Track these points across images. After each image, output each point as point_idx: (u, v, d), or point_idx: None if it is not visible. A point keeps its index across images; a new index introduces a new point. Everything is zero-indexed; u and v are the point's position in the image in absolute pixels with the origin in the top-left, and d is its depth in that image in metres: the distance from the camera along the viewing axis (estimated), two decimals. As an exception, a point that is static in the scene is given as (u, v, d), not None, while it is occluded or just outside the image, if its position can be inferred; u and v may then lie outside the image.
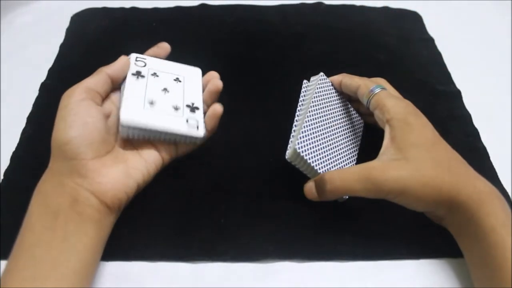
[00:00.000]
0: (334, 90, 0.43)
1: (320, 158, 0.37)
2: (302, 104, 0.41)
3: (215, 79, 0.41)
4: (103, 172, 0.34)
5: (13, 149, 0.44)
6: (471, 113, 0.49)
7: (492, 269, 0.30)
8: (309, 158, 0.36)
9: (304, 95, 0.42)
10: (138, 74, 0.39)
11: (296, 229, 0.38)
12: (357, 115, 0.45)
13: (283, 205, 0.40)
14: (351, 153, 0.41)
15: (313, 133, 0.38)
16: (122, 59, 0.39)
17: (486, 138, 0.46)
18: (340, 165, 0.39)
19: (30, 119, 0.47)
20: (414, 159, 0.34)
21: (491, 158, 0.44)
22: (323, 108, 0.40)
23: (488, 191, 0.33)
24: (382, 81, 0.42)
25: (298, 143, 0.36)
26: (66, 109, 0.34)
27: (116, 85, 0.39)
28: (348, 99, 0.44)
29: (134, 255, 0.37)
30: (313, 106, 0.39)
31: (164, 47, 0.43)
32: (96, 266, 0.34)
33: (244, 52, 0.56)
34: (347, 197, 0.38)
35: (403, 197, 0.34)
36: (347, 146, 0.41)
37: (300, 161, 0.36)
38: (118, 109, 0.37)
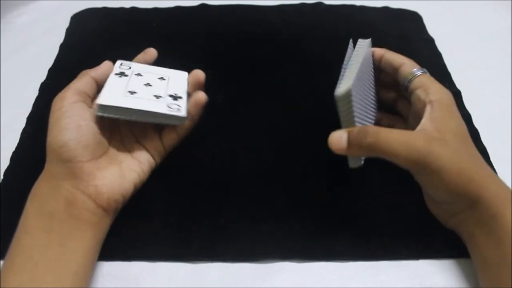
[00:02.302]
0: (372, 62, 0.42)
1: (359, 113, 0.36)
2: (353, 58, 0.40)
3: (196, 70, 0.41)
4: (99, 175, 0.34)
5: (13, 149, 0.44)
6: (471, 113, 0.49)
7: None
8: (354, 106, 0.34)
9: (356, 51, 0.41)
10: (121, 74, 0.39)
11: (296, 229, 0.38)
12: (376, 97, 0.44)
13: (283, 205, 0.40)
14: (373, 120, 0.41)
15: (359, 86, 0.37)
16: (106, 62, 0.39)
17: (486, 138, 0.46)
18: None
19: (30, 119, 0.47)
20: (452, 144, 0.34)
21: (491, 158, 0.44)
22: (366, 71, 0.40)
23: (510, 193, 0.33)
24: (424, 68, 0.42)
25: (352, 85, 0.33)
26: (59, 111, 0.34)
27: (100, 88, 0.38)
28: (377, 78, 0.44)
29: (133, 255, 0.37)
30: (364, 63, 0.38)
31: (151, 52, 0.43)
32: (93, 268, 0.34)
33: (244, 52, 0.56)
34: (362, 162, 0.37)
35: (436, 176, 0.33)
36: (371, 117, 0.41)
37: (347, 103, 0.34)
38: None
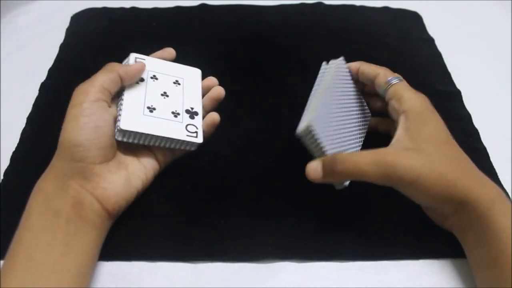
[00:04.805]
0: (350, 77, 0.42)
1: (330, 140, 0.36)
2: (318, 85, 0.40)
3: (217, 87, 0.41)
4: (108, 178, 0.34)
5: (13, 149, 0.44)
6: (471, 113, 0.49)
7: (502, 269, 0.30)
8: (320, 138, 0.35)
9: (322, 76, 0.41)
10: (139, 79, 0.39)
11: (296, 229, 0.38)
12: (367, 108, 0.44)
13: (283, 205, 0.40)
14: (357, 143, 0.41)
15: (326, 113, 0.37)
16: (141, 65, 0.38)
17: (486, 138, 0.46)
18: (347, 151, 0.39)
19: (30, 119, 0.47)
20: (427, 152, 0.33)
21: (491, 158, 0.44)
22: (338, 92, 0.40)
23: (497, 192, 0.33)
24: (398, 76, 0.41)
25: (312, 119, 0.34)
26: (79, 108, 0.33)
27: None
28: (361, 91, 0.43)
29: (134, 255, 0.37)
30: (331, 88, 0.38)
31: (170, 52, 0.43)
32: (93, 269, 0.34)
33: (244, 52, 0.56)
34: (347, 183, 0.37)
35: (413, 187, 0.33)
36: (355, 134, 0.41)
37: (310, 138, 0.35)
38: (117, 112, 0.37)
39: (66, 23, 0.60)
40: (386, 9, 0.64)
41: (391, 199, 0.40)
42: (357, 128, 0.42)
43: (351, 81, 0.42)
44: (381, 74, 0.39)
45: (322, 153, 0.36)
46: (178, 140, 0.37)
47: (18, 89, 0.51)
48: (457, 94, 0.51)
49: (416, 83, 0.52)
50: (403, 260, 0.37)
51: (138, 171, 0.37)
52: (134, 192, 0.36)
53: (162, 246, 0.37)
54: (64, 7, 0.62)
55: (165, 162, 0.40)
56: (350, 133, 0.40)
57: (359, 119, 0.42)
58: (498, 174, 0.43)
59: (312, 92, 0.40)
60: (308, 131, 0.35)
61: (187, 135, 0.37)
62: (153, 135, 0.36)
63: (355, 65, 0.42)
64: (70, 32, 0.59)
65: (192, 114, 0.39)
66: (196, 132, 0.37)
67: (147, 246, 0.37)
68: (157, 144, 0.37)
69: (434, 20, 0.62)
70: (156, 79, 0.39)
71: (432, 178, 0.32)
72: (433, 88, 0.52)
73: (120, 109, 0.36)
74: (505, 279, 0.30)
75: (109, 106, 0.36)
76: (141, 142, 0.36)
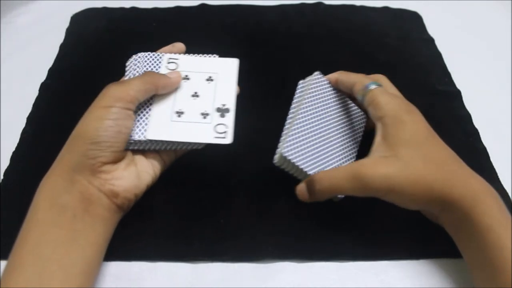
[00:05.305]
0: (330, 88, 0.42)
1: (311, 160, 0.37)
2: (296, 103, 0.41)
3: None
4: (117, 175, 0.35)
5: (13, 149, 0.44)
6: (471, 113, 0.49)
7: (491, 269, 0.30)
8: (299, 161, 0.36)
9: (299, 95, 0.42)
10: None
11: (296, 229, 0.38)
12: (359, 111, 0.44)
13: (283, 205, 0.40)
14: (349, 152, 0.41)
15: (304, 134, 0.37)
16: (178, 77, 0.38)
17: (486, 138, 0.46)
18: (336, 165, 0.39)
19: (30, 119, 0.47)
20: (404, 157, 0.33)
21: (491, 158, 0.44)
22: (317, 108, 0.39)
23: (483, 189, 0.32)
24: (381, 78, 0.41)
25: (285, 147, 0.35)
26: (107, 111, 0.33)
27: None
28: (349, 96, 0.43)
29: (134, 255, 0.37)
30: (306, 107, 0.38)
31: (179, 47, 0.43)
32: (100, 265, 0.34)
33: (244, 52, 0.56)
34: (342, 196, 0.38)
35: (392, 195, 0.33)
36: (344, 145, 0.41)
37: (288, 164, 0.36)
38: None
39: (66, 23, 0.60)
40: (386, 9, 0.64)
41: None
42: (348, 137, 0.41)
43: (332, 92, 0.42)
44: (358, 82, 0.39)
45: (305, 175, 0.36)
46: (205, 143, 0.36)
47: (18, 89, 0.51)
48: (457, 94, 0.51)
49: (416, 83, 0.53)
50: (403, 260, 0.37)
51: (147, 168, 0.37)
52: (144, 187, 0.37)
53: (162, 246, 0.37)
54: (64, 7, 0.62)
55: (171, 160, 0.40)
56: (340, 146, 0.40)
57: (349, 128, 0.42)
58: (498, 174, 0.43)
59: (290, 113, 0.40)
60: (283, 159, 0.35)
61: (215, 137, 0.36)
62: (179, 142, 0.36)
63: (333, 76, 0.42)
64: (70, 32, 0.59)
65: (223, 111, 0.38)
66: (226, 132, 0.36)
67: (147, 246, 0.37)
68: (183, 148, 0.37)
69: (434, 20, 0.62)
70: (188, 79, 0.39)
71: (408, 184, 0.32)
72: (433, 88, 0.52)
73: (148, 115, 0.36)
74: (497, 279, 0.29)
75: (134, 113, 0.36)
76: (168, 148, 0.37)
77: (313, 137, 0.38)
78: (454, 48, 0.58)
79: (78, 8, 0.62)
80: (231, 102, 0.38)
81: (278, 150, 0.37)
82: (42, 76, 0.52)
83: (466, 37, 0.60)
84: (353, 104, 0.43)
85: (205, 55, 0.42)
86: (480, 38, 0.61)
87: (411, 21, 0.62)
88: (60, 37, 0.58)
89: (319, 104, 0.40)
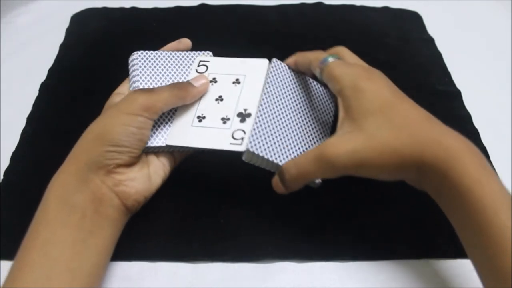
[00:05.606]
0: (291, 73, 0.40)
1: (280, 150, 0.35)
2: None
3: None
4: (131, 176, 0.35)
5: (13, 149, 0.44)
6: (471, 113, 0.49)
7: (476, 231, 0.27)
8: (266, 153, 0.34)
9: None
10: None
11: (296, 229, 0.38)
12: (327, 90, 0.42)
13: (283, 205, 0.40)
14: (320, 135, 0.39)
15: (268, 125, 0.35)
16: (205, 84, 0.38)
17: (486, 138, 0.46)
18: (312, 147, 0.37)
19: (30, 119, 0.47)
20: (368, 128, 0.31)
21: (491, 158, 0.44)
22: (279, 95, 0.38)
23: (459, 146, 0.29)
24: (340, 50, 0.38)
25: (250, 142, 0.34)
26: (133, 119, 0.33)
27: None
28: (312, 76, 0.41)
29: (134, 255, 0.37)
30: (266, 97, 0.37)
31: (185, 43, 0.43)
32: (106, 267, 0.34)
33: (244, 52, 0.56)
34: (320, 181, 0.36)
35: (363, 170, 0.31)
36: (314, 129, 0.39)
37: (257, 159, 0.35)
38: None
39: (66, 23, 0.60)
40: (386, 9, 0.64)
41: (391, 199, 0.41)
42: (317, 119, 0.40)
43: (295, 77, 0.40)
44: (313, 60, 0.37)
45: (277, 166, 0.35)
46: (221, 150, 0.36)
47: (18, 89, 0.51)
48: (457, 94, 0.51)
49: (416, 83, 0.53)
50: (403, 260, 0.37)
51: (158, 169, 0.37)
52: (153, 189, 0.37)
53: (162, 246, 0.37)
54: (64, 7, 0.62)
55: (181, 158, 0.40)
56: (308, 130, 0.38)
57: (316, 110, 0.40)
58: (498, 174, 0.43)
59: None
60: (251, 154, 0.34)
61: (231, 143, 0.35)
62: (195, 148, 0.36)
63: (290, 60, 0.40)
64: (70, 32, 0.59)
65: (244, 117, 0.36)
66: (243, 138, 0.35)
67: (147, 246, 0.37)
68: (200, 151, 0.38)
69: (434, 20, 0.62)
70: (215, 82, 0.39)
71: (376, 155, 0.30)
72: (433, 88, 0.52)
73: (170, 122, 0.37)
74: (483, 245, 0.27)
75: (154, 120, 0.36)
76: (184, 150, 0.38)
77: (279, 126, 0.36)
78: (454, 48, 0.58)
79: (78, 8, 0.62)
80: (253, 107, 0.37)
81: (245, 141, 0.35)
82: (42, 76, 0.52)
83: (466, 37, 0.60)
84: (319, 85, 0.42)
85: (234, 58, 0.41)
86: (480, 38, 0.61)
87: (411, 21, 0.62)
88: (60, 37, 0.58)
89: (281, 92, 0.38)
